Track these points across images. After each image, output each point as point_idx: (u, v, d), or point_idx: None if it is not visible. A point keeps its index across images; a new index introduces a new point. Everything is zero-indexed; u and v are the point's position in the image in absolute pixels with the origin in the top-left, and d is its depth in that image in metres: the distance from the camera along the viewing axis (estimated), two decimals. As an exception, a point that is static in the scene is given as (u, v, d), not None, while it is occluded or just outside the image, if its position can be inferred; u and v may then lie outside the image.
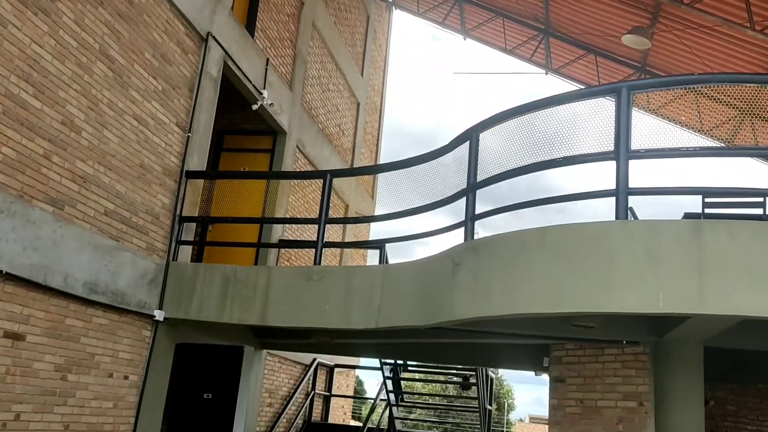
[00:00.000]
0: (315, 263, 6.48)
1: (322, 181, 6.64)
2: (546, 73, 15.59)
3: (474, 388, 10.69)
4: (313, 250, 7.03)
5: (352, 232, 13.06)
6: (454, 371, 11.05)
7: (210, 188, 7.61)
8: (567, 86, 15.59)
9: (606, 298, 4.26)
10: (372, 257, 13.89)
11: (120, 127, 6.01)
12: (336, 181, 12.10)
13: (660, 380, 6.01)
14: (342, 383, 13.32)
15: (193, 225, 7.16)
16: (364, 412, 11.08)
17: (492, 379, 11.72)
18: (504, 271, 4.72)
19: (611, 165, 4.62)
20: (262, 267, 6.65)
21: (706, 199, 5.21)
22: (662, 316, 5.36)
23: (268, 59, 8.89)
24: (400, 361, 10.83)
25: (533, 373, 8.10)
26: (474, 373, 10.22)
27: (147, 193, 6.39)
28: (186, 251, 7.03)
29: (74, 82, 5.45)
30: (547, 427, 7.06)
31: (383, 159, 15.72)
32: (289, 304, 6.26)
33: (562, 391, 6.75)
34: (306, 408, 11.11)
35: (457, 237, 5.38)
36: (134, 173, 6.22)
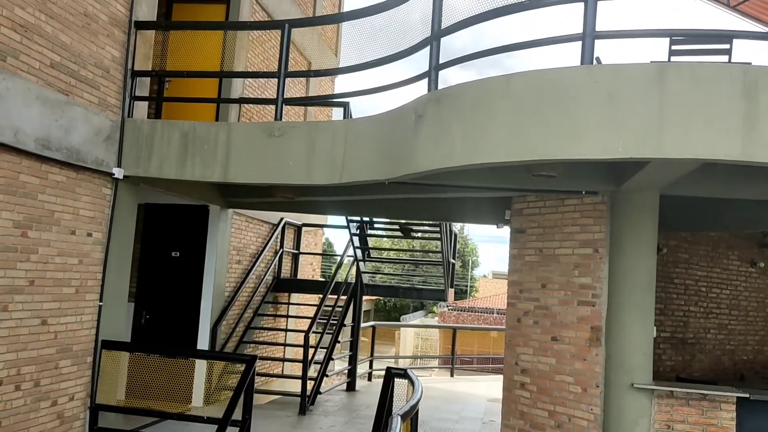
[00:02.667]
0: (276, 119, 6.36)
1: (280, 33, 6.37)
2: None
3: (434, 241, 10.98)
4: (274, 106, 6.88)
5: (316, 92, 12.78)
6: (413, 226, 11.31)
7: (164, 42, 7.26)
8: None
9: (568, 145, 4.28)
10: (337, 117, 13.71)
11: (58, -28, 5.56)
12: (297, 37, 11.74)
13: (616, 228, 6.21)
14: (310, 242, 13.58)
15: (148, 80, 6.90)
16: (334, 269, 11.34)
17: (455, 235, 12.05)
18: (467, 121, 4.69)
19: (578, 12, 4.48)
20: (222, 123, 6.52)
21: (673, 46, 5.12)
22: (622, 162, 5.44)
23: None
24: (366, 218, 11.03)
25: (495, 226, 8.29)
26: (438, 228, 10.45)
27: (94, 44, 6.05)
28: (142, 108, 6.82)
29: None
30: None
31: (347, 14, 15.09)
32: (250, 160, 6.23)
33: (522, 241, 7.00)
34: (275, 265, 11.36)
35: (422, 91, 5.28)
36: (79, 22, 5.85)
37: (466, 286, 45.40)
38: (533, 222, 6.89)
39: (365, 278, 11.57)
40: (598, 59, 5.42)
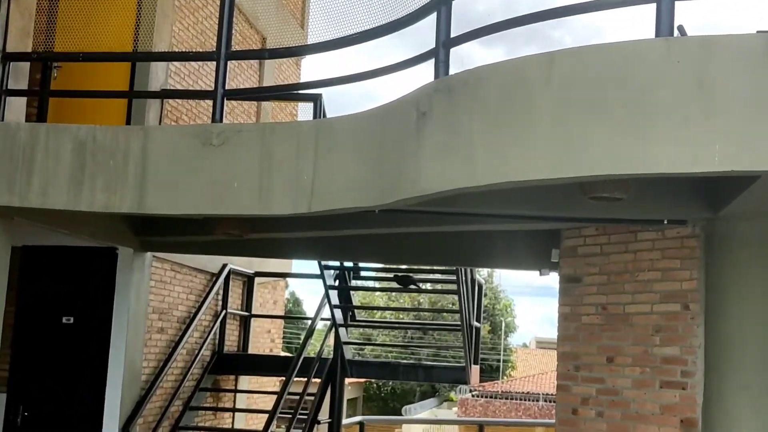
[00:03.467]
0: (214, 120, 6.37)
1: (220, -6, 6.41)
2: None
3: (439, 292, 10.97)
4: (211, 102, 6.89)
5: (274, 81, 12.85)
6: (417, 274, 11.31)
7: (51, 11, 7.28)
8: None
9: (640, 153, 4.27)
10: (305, 116, 13.77)
11: None
12: (246, 2, 11.82)
13: (714, 273, 6.20)
14: (267, 299, 13.56)
15: (27, 67, 6.94)
16: (302, 339, 11.32)
17: (481, 286, 12.05)
18: (492, 121, 4.68)
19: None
20: (136, 127, 6.58)
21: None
22: (719, 177, 5.43)
23: None
24: (348, 264, 11.01)
25: (538, 273, 8.29)
26: (454, 277, 10.43)
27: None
28: (18, 106, 6.85)
29: None
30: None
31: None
32: (177, 181, 6.21)
33: (577, 295, 6.99)
34: (215, 334, 11.31)
35: (428, 78, 5.31)
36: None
37: (498, 360, 45.25)
38: (593, 266, 6.87)
39: (348, 352, 11.52)
40: (681, 29, 5.46)
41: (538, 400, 34.63)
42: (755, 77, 4.14)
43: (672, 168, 4.24)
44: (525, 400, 35.26)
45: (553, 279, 7.75)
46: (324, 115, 8.12)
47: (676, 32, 4.67)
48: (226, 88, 6.49)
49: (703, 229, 6.30)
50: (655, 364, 6.38)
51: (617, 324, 6.64)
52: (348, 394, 32.33)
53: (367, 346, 36.23)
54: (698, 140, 4.18)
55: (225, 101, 6.48)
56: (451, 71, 5.20)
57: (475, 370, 11.51)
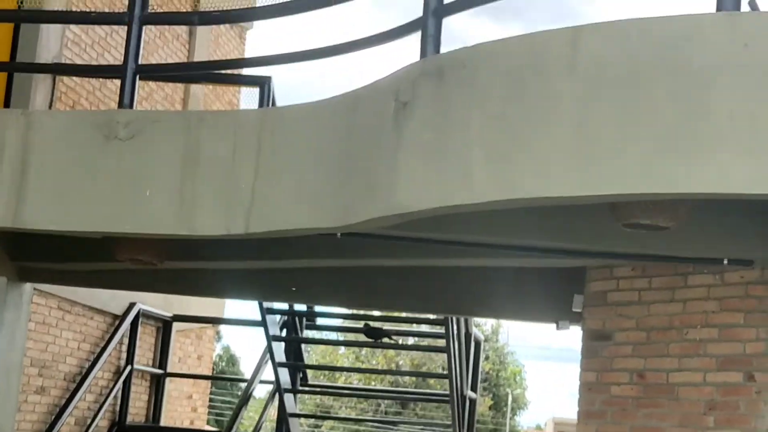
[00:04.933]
0: (121, 105, 6.38)
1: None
2: None
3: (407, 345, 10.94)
4: (119, 82, 6.89)
5: (209, 56, 12.85)
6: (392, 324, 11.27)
7: None
8: None
9: (692, 166, 4.28)
10: (249, 105, 13.77)
11: None
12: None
13: (789, 332, 6.23)
14: (190, 353, 13.49)
15: None
16: (234, 409, 11.24)
17: (479, 344, 12.05)
18: (496, 116, 4.70)
19: None
20: (14, 112, 6.52)
21: None
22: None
23: None
24: (300, 307, 10.97)
25: (554, 325, 8.26)
26: (443, 328, 10.43)
27: None
28: None
29: None
30: None
31: None
32: (69, 186, 6.23)
33: (605, 357, 6.98)
34: (116, 398, 11.21)
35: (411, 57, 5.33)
36: None
37: (502, 446, 45.18)
38: (628, 319, 6.88)
39: (297, 427, 11.46)
40: (752, 3, 5.53)
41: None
42: None
43: (737, 188, 4.25)
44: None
45: (575, 336, 7.74)
46: (273, 101, 8.14)
47: (745, 6, 4.71)
48: (141, 62, 6.49)
49: (774, 272, 6.37)
50: (708, 455, 6.38)
51: (658, 398, 6.61)
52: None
53: (324, 420, 36.06)
54: (768, 151, 4.20)
55: (138, 81, 6.47)
56: (444, 50, 5.24)
57: (468, 459, 11.46)
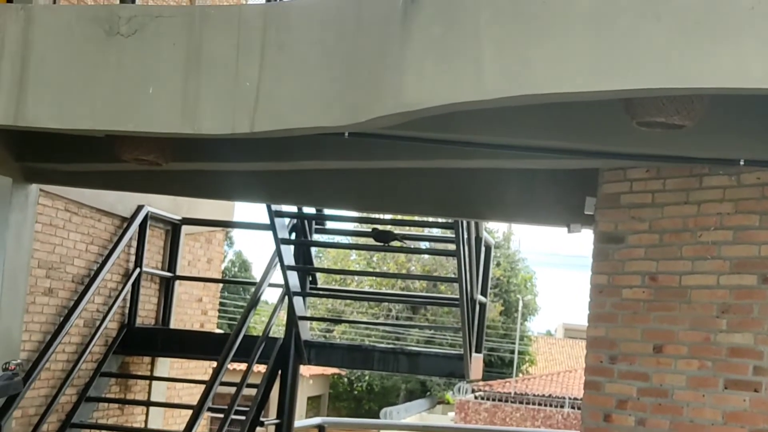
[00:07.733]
0: (123, 0, 6.30)
1: None
2: None
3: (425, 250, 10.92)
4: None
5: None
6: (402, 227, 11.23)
7: None
8: None
9: (714, 58, 4.22)
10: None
11: None
12: None
13: (805, 235, 6.18)
14: (199, 256, 13.52)
15: None
16: (243, 313, 11.26)
17: (489, 248, 12.02)
18: (506, 9, 4.66)
19: None
20: (12, 6, 6.44)
21: None
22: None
23: None
24: (309, 210, 10.96)
25: (566, 228, 8.24)
26: (453, 233, 10.39)
27: None
28: None
29: None
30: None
31: None
32: (71, 83, 6.19)
33: (617, 260, 6.98)
34: (125, 300, 11.26)
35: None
36: None
37: (512, 352, 45.57)
38: (641, 221, 6.87)
39: (306, 330, 11.48)
40: None
41: (563, 406, 35.00)
42: None
43: (757, 82, 4.20)
44: (546, 405, 35.59)
45: (585, 243, 7.70)
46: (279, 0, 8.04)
47: None
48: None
49: (794, 174, 6.30)
50: (719, 357, 6.35)
51: (670, 301, 6.61)
52: (309, 390, 32.30)
53: (335, 324, 36.33)
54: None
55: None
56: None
57: (476, 360, 11.48)
